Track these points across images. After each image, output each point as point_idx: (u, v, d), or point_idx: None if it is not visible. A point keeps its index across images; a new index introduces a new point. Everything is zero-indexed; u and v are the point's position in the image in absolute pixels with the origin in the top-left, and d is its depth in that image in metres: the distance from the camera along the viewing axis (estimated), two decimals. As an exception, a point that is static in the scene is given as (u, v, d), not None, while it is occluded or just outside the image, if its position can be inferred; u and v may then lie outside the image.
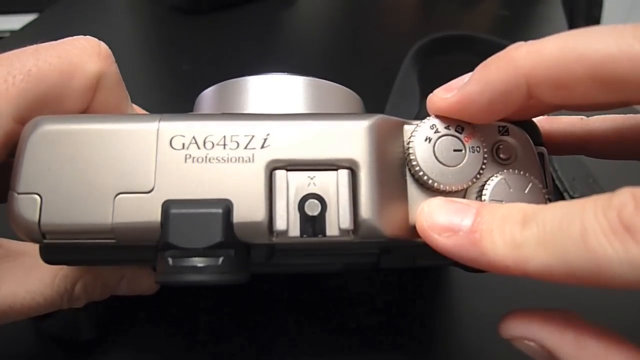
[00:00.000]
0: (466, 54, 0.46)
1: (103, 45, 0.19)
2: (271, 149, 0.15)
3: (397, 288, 0.28)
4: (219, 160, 0.15)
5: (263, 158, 0.15)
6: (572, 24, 0.60)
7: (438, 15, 0.58)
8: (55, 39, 0.19)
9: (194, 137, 0.15)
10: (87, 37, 0.19)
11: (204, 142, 0.15)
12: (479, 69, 0.16)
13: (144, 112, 0.25)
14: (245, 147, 0.15)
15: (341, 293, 0.28)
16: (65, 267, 0.19)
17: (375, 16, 0.58)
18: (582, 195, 0.32)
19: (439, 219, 0.15)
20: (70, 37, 0.19)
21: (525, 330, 0.14)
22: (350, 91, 0.21)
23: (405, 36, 0.54)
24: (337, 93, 0.21)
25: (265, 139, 0.15)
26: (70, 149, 0.15)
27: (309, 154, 0.15)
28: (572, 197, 0.32)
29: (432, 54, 0.46)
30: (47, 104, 0.17)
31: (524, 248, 0.13)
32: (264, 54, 0.50)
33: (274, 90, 0.19)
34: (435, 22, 0.57)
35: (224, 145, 0.15)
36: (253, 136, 0.15)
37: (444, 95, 0.17)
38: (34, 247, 0.19)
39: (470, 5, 0.60)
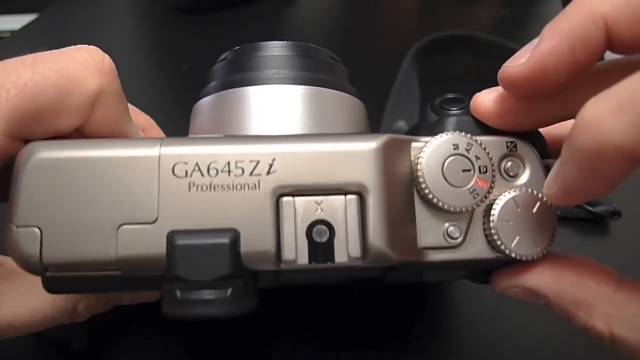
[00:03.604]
0: (466, 54, 0.46)
1: (107, 58, 0.18)
2: (277, 174, 0.15)
3: (401, 298, 0.28)
4: (224, 188, 0.15)
5: (269, 184, 0.15)
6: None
7: (438, 15, 0.58)
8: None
9: (197, 164, 0.15)
10: (91, 48, 0.18)
11: (208, 169, 0.15)
12: (548, 26, 0.15)
13: (144, 114, 0.25)
14: (251, 174, 0.15)
15: (346, 306, 0.28)
16: None
17: (375, 16, 0.58)
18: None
19: None
20: (74, 47, 0.18)
21: (509, 282, 0.17)
22: (351, 97, 0.21)
23: (405, 36, 0.54)
24: (339, 101, 0.20)
25: (271, 165, 0.15)
26: (69, 178, 0.14)
27: (316, 179, 0.15)
28: (572, 197, 0.32)
29: (432, 54, 0.46)
30: (41, 119, 0.16)
31: None
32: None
33: (274, 103, 0.19)
34: (435, 22, 0.57)
35: (229, 171, 0.15)
36: (258, 162, 0.15)
37: (517, 62, 0.16)
38: None
39: (470, 5, 0.60)
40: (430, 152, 0.16)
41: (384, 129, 0.38)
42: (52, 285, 0.15)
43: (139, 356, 0.26)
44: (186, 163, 0.15)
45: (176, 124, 0.26)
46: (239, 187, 0.15)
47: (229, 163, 0.15)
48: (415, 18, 0.60)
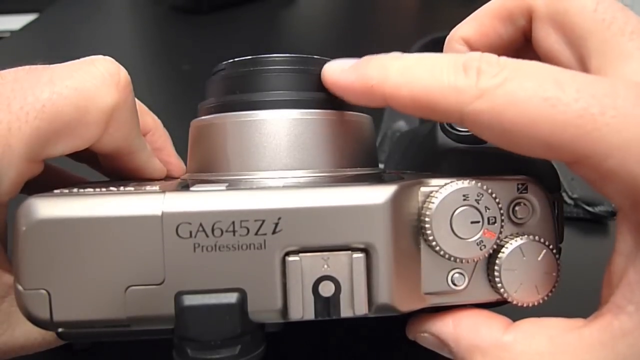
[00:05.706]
0: (466, 54, 0.46)
1: (122, 71, 0.18)
2: (283, 234, 0.15)
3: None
4: (229, 248, 0.14)
5: (275, 244, 0.15)
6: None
7: (438, 15, 0.58)
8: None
9: (201, 224, 0.14)
10: (106, 59, 0.18)
11: (212, 230, 0.14)
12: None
13: (151, 114, 0.25)
14: (256, 234, 0.15)
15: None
16: None
17: (375, 16, 0.58)
18: (581, 196, 0.32)
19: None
20: (89, 59, 0.18)
21: (419, 327, 0.17)
22: (358, 114, 0.20)
23: (406, 36, 0.54)
24: (348, 123, 0.20)
25: (277, 224, 0.15)
26: (71, 239, 0.14)
27: (323, 239, 0.15)
28: (570, 197, 0.32)
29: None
30: (60, 139, 0.16)
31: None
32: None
33: (279, 133, 0.18)
34: (436, 21, 0.58)
35: (234, 232, 0.14)
36: (263, 221, 0.14)
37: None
38: None
39: (470, 5, 0.60)
40: (439, 203, 0.16)
41: (384, 129, 0.38)
42: (65, 338, 0.16)
43: (141, 356, 0.26)
44: (190, 223, 0.14)
45: (176, 124, 0.26)
46: (244, 247, 0.15)
47: (233, 223, 0.14)
48: (415, 18, 0.60)
